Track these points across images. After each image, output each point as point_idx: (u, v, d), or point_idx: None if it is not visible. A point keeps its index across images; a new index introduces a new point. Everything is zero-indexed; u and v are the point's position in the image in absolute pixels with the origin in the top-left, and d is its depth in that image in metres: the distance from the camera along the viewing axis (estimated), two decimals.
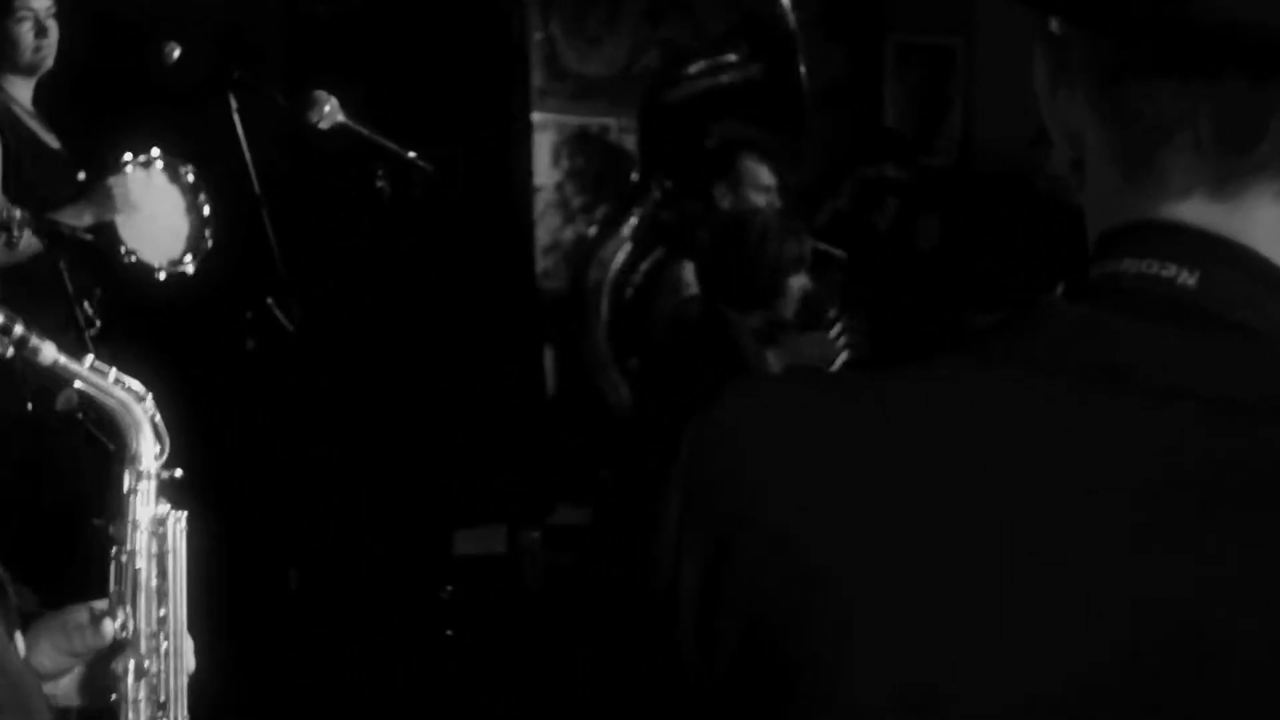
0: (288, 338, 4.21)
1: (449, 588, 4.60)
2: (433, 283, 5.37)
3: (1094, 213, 0.97)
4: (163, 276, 4.07)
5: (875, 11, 7.52)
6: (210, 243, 4.17)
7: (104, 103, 4.73)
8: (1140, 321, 0.88)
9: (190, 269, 4.11)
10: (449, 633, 4.56)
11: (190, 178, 4.22)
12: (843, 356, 4.80)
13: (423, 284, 5.32)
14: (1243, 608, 0.82)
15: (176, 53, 4.15)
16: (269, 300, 4.19)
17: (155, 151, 4.16)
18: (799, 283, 4.41)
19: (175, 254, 4.13)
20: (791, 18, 5.64)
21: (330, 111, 4.11)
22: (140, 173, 4.11)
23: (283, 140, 4.59)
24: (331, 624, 4.58)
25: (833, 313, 4.92)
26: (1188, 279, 0.88)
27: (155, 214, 4.10)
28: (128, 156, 4.11)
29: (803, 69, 5.61)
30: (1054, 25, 0.94)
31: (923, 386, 0.94)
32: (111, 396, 1.60)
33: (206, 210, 4.20)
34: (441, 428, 5.45)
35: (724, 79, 5.86)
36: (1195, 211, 0.89)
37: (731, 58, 5.87)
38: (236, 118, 4.19)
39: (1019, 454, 0.88)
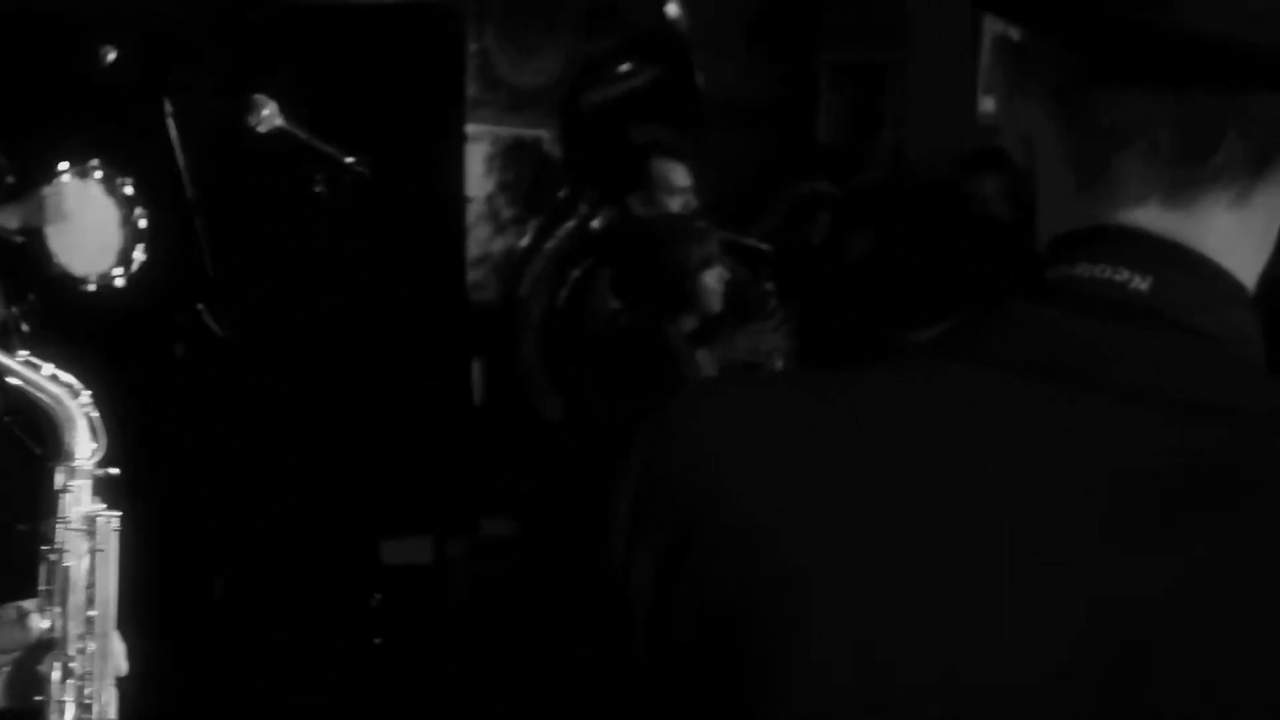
0: (217, 343, 4.17)
1: (378, 595, 4.57)
2: (363, 290, 5.35)
3: (1047, 217, 0.98)
4: (91, 288, 4.00)
5: (808, 28, 7.56)
6: (143, 258, 4.10)
7: (37, 104, 4.67)
8: (1097, 324, 0.89)
9: (119, 282, 4.05)
10: (377, 640, 4.53)
11: (128, 191, 4.16)
12: (777, 349, 4.84)
13: (353, 291, 5.30)
14: (1206, 606, 0.83)
15: (111, 55, 4.10)
16: (199, 306, 4.15)
17: (94, 163, 4.10)
18: (714, 277, 4.44)
19: (104, 267, 4.07)
20: (681, 21, 5.70)
21: (269, 115, 4.09)
22: (76, 183, 4.05)
23: (217, 144, 4.55)
24: (258, 630, 4.54)
25: (773, 303, 4.96)
26: (1140, 284, 0.89)
27: (87, 226, 4.03)
28: (64, 165, 4.05)
29: (698, 73, 5.67)
30: (1012, 32, 0.96)
31: (885, 384, 0.95)
32: (45, 391, 1.58)
33: (142, 224, 4.14)
34: (369, 435, 5.42)
35: (629, 84, 5.91)
36: (1150, 218, 0.91)
37: (625, 67, 5.91)
38: (170, 121, 4.15)
39: (982, 451, 0.89)
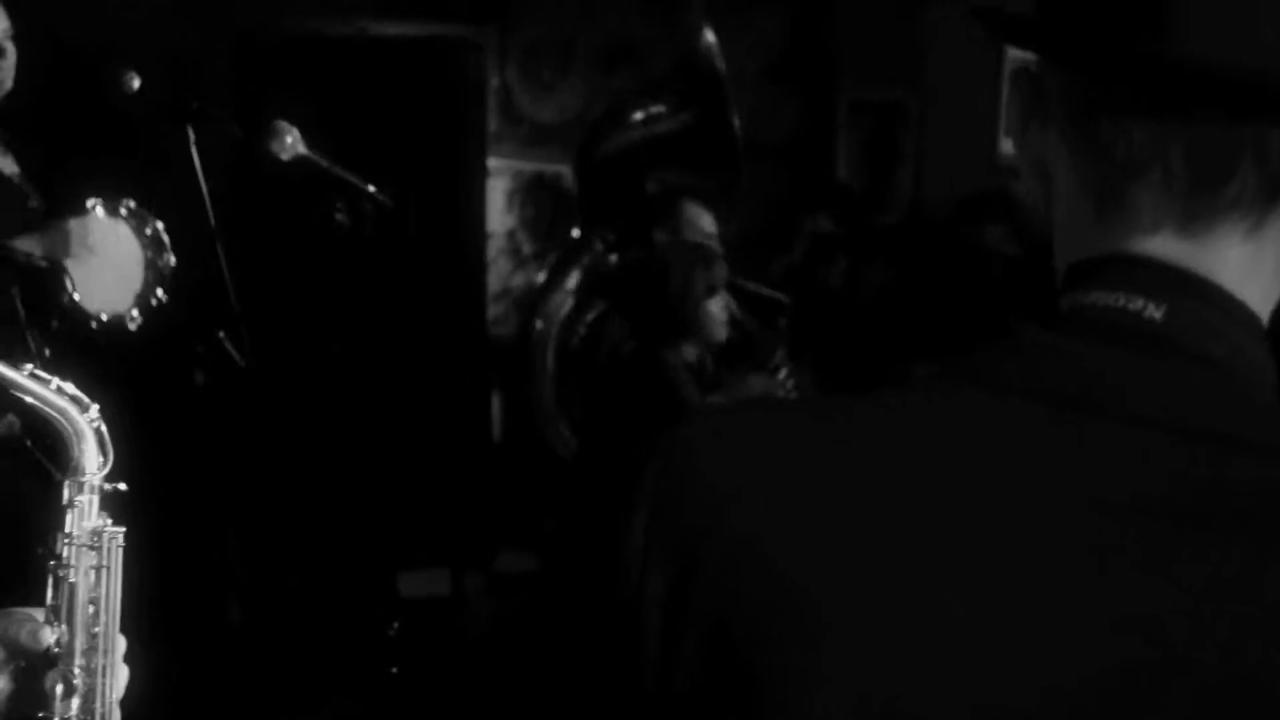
0: (238, 372, 4.17)
1: (395, 625, 4.57)
2: (385, 322, 5.36)
3: (1063, 245, 0.99)
4: (101, 323, 4.00)
5: (828, 67, 7.56)
6: (164, 300, 4.10)
7: (63, 130, 4.70)
8: (1109, 351, 0.89)
9: (133, 326, 4.05)
10: (394, 670, 4.53)
11: (157, 231, 4.17)
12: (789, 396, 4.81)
13: (375, 323, 5.31)
14: (1206, 632, 0.83)
15: (136, 82, 4.11)
16: (220, 334, 4.15)
17: (127, 201, 4.11)
18: (719, 305, 4.42)
19: (121, 307, 4.07)
20: (720, 63, 5.67)
21: (292, 143, 4.10)
22: (104, 219, 4.07)
23: (238, 172, 4.56)
24: (274, 657, 4.54)
25: (780, 356, 4.93)
26: (1154, 312, 0.90)
27: (110, 262, 4.04)
28: (93, 201, 4.05)
29: (735, 116, 5.64)
30: (1029, 62, 0.97)
31: (892, 408, 0.96)
32: (51, 406, 1.57)
33: (167, 265, 4.14)
34: (388, 467, 5.42)
35: (658, 129, 5.89)
36: (1164, 247, 0.91)
37: (661, 108, 5.90)
38: (194, 149, 4.16)
39: (988, 474, 0.89)
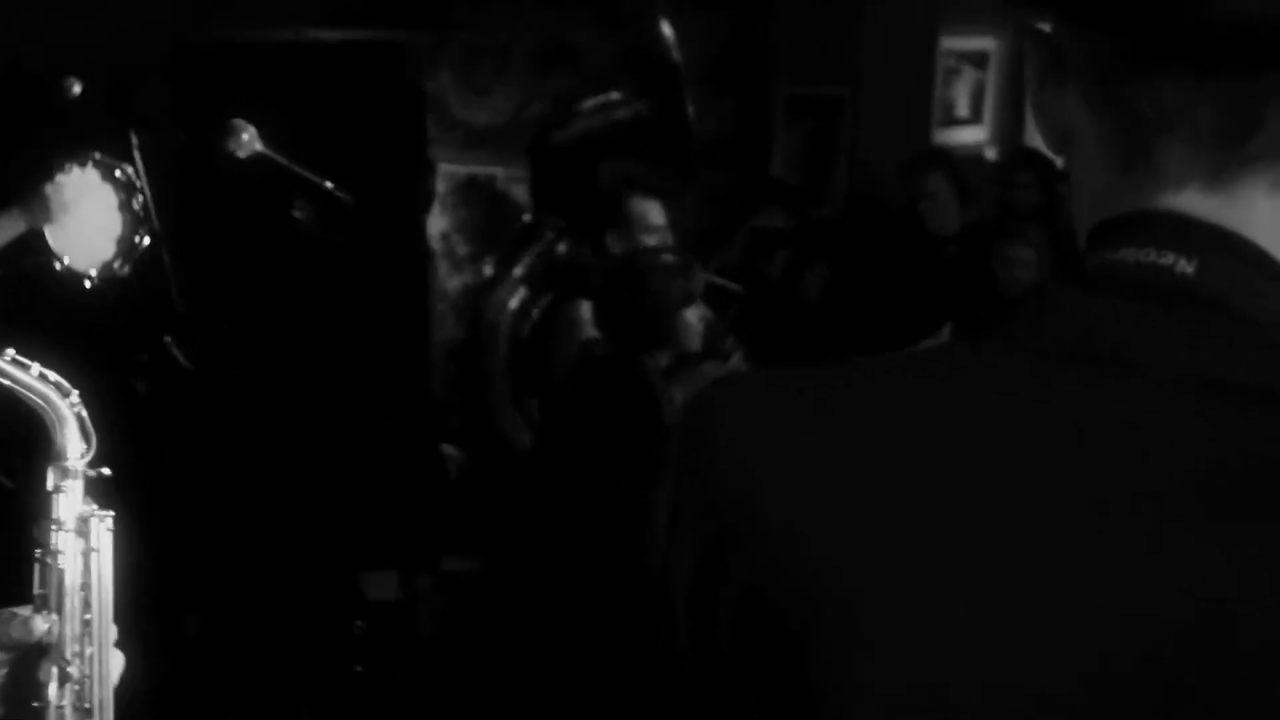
0: (185, 376, 4.14)
1: (360, 624, 4.55)
2: (330, 326, 5.33)
3: (1086, 206, 0.98)
4: (93, 281, 3.95)
5: (762, 63, 7.60)
6: (145, 242, 4.05)
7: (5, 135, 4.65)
8: (1144, 307, 0.89)
9: (123, 270, 3.99)
10: (359, 669, 4.51)
11: (125, 175, 4.09)
12: None
13: (321, 326, 5.28)
14: (1259, 602, 0.82)
15: (77, 88, 4.08)
16: (167, 339, 4.12)
17: (94, 153, 4.04)
18: (696, 315, 4.44)
19: (107, 255, 4.01)
20: (675, 52, 5.68)
21: (249, 140, 4.07)
22: (76, 172, 4.00)
23: (182, 176, 4.53)
24: (236, 662, 4.51)
25: (730, 343, 4.94)
26: (1186, 266, 0.89)
27: (86, 214, 3.98)
28: (61, 161, 3.99)
29: (690, 106, 5.65)
30: (1045, 25, 0.96)
31: (925, 375, 0.95)
32: (34, 391, 1.56)
33: (139, 206, 4.07)
34: (335, 471, 5.39)
35: (611, 117, 5.89)
36: (1192, 202, 0.91)
37: (616, 95, 5.90)
38: (137, 154, 4.12)
39: (1027, 443, 0.88)
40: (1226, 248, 0.89)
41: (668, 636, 0.98)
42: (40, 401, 1.57)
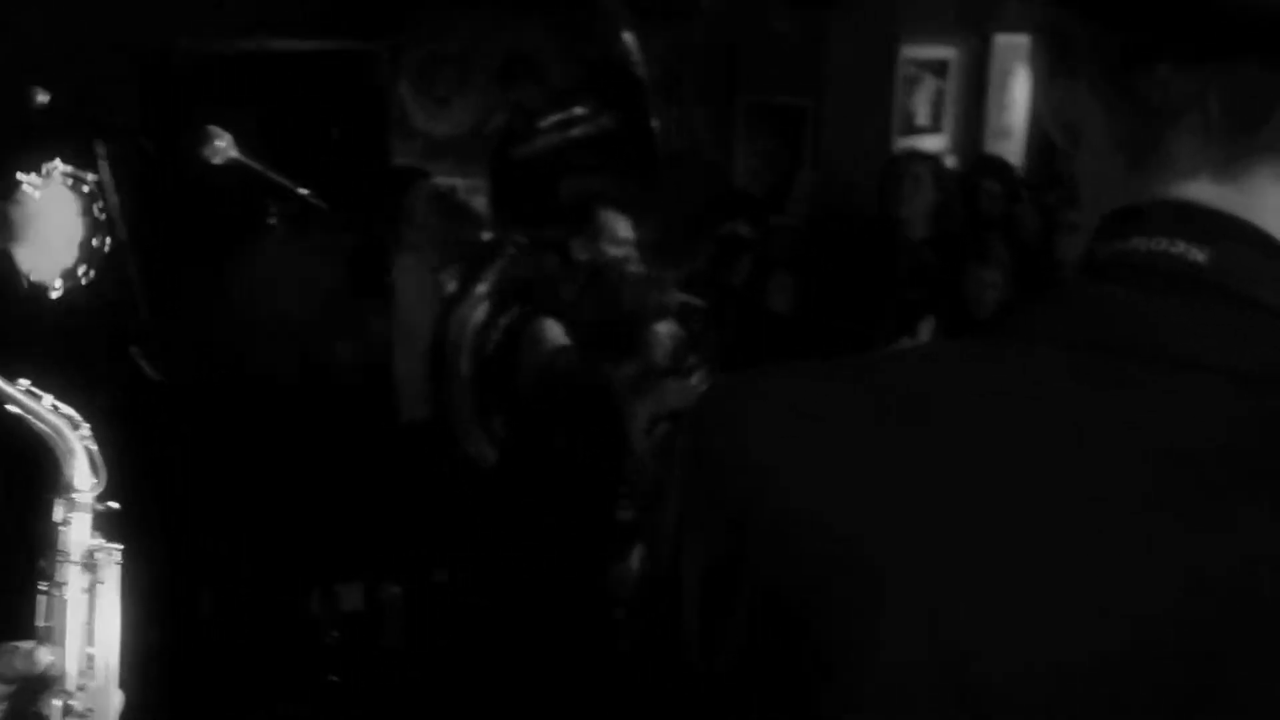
0: (152, 387, 4.11)
1: (335, 633, 4.53)
2: (294, 339, 5.31)
3: (1095, 197, 0.98)
4: (58, 292, 3.90)
5: (725, 73, 7.61)
6: (106, 244, 3.99)
7: None
8: (1156, 297, 0.89)
9: (87, 275, 3.94)
10: (333, 679, 4.49)
11: (90, 184, 4.04)
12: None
13: (286, 339, 5.25)
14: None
15: (43, 98, 4.05)
16: (133, 349, 4.08)
17: (55, 162, 4.00)
18: (666, 330, 4.44)
19: (68, 263, 3.95)
20: (641, 65, 5.67)
21: (224, 147, 4.05)
22: (38, 182, 3.95)
23: (151, 186, 4.50)
24: (205, 673, 4.49)
25: (693, 360, 4.94)
26: (1198, 255, 0.89)
27: (51, 228, 3.93)
28: (20, 177, 3.95)
29: (654, 119, 5.64)
30: (1054, 17, 0.96)
31: (936, 366, 0.95)
32: (45, 422, 1.55)
33: (101, 213, 4.02)
34: (302, 482, 5.37)
35: (575, 132, 5.88)
36: (1203, 191, 0.91)
37: (580, 111, 5.88)
38: (104, 164, 4.09)
39: (1042, 430, 0.89)
40: (1239, 236, 0.90)
41: (675, 635, 0.97)
42: (51, 433, 1.56)
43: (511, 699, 4.46)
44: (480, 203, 6.70)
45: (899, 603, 0.87)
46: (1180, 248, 0.90)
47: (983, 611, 0.86)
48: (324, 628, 4.60)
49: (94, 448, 1.58)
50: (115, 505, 1.60)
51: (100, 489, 1.59)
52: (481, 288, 5.62)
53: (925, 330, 5.57)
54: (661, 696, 1.01)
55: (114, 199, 4.06)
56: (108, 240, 3.93)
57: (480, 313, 5.55)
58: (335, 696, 4.55)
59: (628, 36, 5.57)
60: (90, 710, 1.57)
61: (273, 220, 4.14)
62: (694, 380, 4.91)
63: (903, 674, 0.86)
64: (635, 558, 4.37)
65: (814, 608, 0.89)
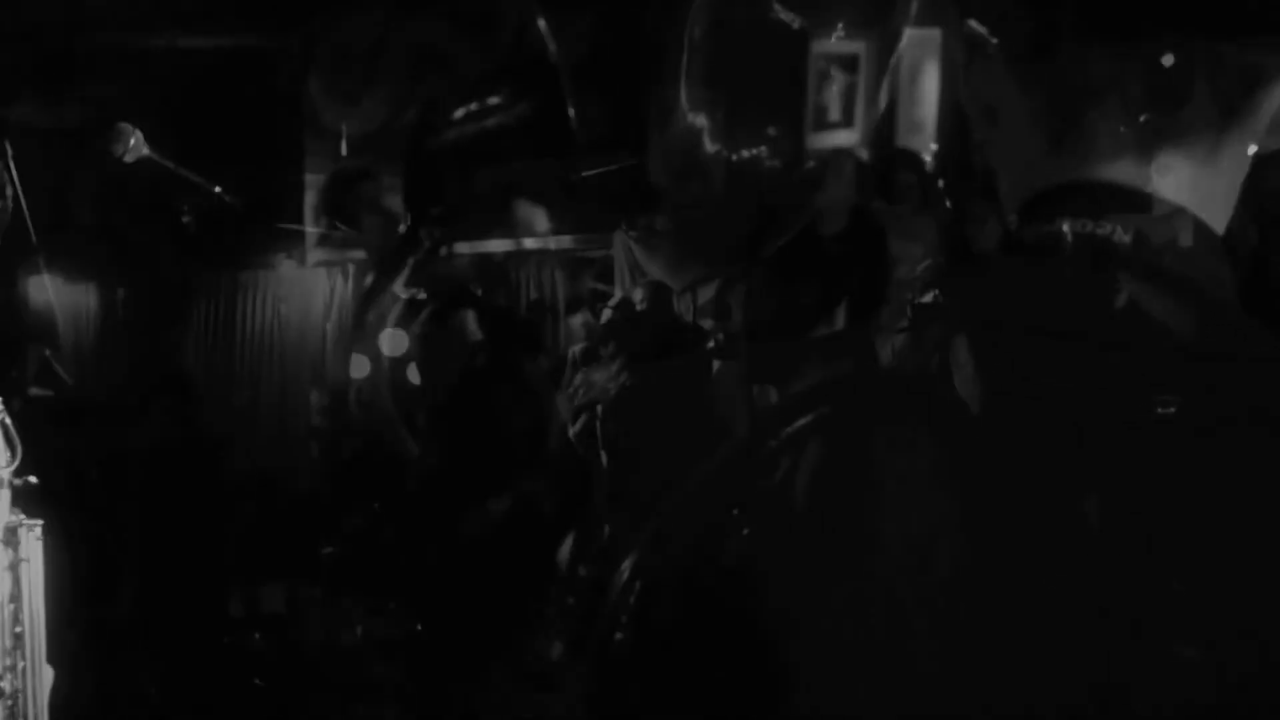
0: (66, 390, 4.05)
1: (258, 635, 4.48)
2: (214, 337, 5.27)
3: (1017, 179, 0.99)
4: None
5: (636, 64, 7.59)
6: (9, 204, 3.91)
7: None
8: (1085, 276, 0.91)
9: None
10: (258, 681, 4.45)
11: None
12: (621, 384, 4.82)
13: (207, 336, 5.21)
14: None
15: None
16: (47, 352, 4.03)
17: None
18: (579, 319, 4.45)
19: None
20: (553, 50, 5.65)
21: (135, 144, 3.99)
22: None
23: (60, 184, 4.44)
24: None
25: (611, 348, 4.94)
26: (1123, 236, 0.91)
27: None
28: None
29: (571, 107, 5.63)
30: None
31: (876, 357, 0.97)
32: None
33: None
34: (223, 483, 5.32)
35: (489, 122, 5.85)
36: (1126, 172, 0.93)
37: (495, 100, 5.86)
38: (11, 164, 4.02)
39: (990, 408, 0.91)
40: (1161, 215, 0.92)
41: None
42: None
43: (438, 692, 4.45)
44: (395, 201, 6.67)
45: None
46: (1106, 229, 0.91)
47: None
48: (249, 629, 4.55)
49: (8, 422, 1.54)
50: (34, 480, 1.56)
51: (16, 464, 1.55)
52: (398, 282, 5.59)
53: (839, 318, 5.57)
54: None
55: (21, 197, 4.00)
56: (8, 213, 3.87)
57: (397, 309, 5.53)
58: (261, 700, 4.51)
59: (540, 23, 5.55)
60: (19, 691, 1.54)
61: (186, 218, 4.07)
62: (613, 368, 4.91)
63: None
64: (564, 549, 4.35)
65: None
